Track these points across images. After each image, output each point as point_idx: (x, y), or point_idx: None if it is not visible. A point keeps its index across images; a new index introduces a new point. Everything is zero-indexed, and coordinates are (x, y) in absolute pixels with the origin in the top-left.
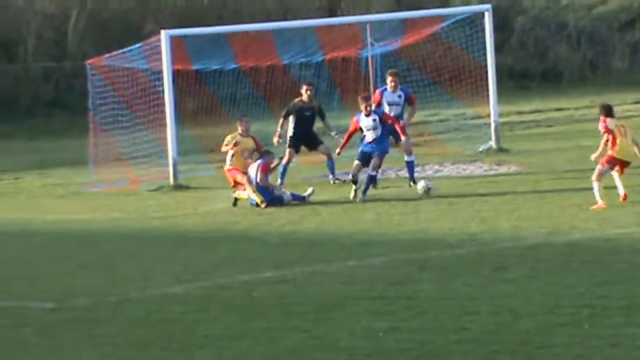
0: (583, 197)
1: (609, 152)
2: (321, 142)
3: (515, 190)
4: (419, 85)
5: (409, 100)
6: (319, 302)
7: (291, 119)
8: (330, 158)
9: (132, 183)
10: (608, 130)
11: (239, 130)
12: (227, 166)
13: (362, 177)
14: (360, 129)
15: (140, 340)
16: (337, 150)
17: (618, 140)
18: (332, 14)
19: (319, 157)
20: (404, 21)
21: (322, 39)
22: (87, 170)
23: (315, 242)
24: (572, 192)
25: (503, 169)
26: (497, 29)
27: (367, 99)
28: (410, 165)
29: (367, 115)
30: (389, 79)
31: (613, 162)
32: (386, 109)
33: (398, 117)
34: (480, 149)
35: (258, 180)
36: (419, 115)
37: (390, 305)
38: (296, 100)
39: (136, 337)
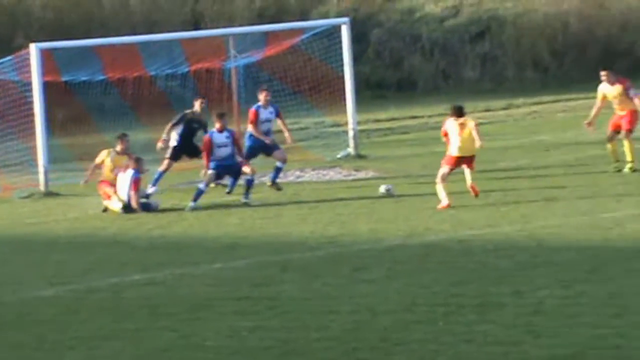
0: (437, 201)
1: (448, 152)
2: (199, 154)
3: (373, 195)
4: (281, 95)
5: (279, 116)
6: (186, 303)
7: (177, 129)
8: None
9: (4, 190)
10: (444, 132)
11: (117, 148)
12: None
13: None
14: (213, 145)
15: (13, 342)
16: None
17: (452, 139)
18: (196, 26)
19: (188, 165)
20: (265, 34)
21: (188, 51)
22: None
23: (183, 245)
24: (427, 196)
25: (361, 175)
26: (354, 40)
27: (221, 116)
28: (278, 170)
29: (220, 131)
30: (262, 94)
31: (452, 160)
32: (261, 125)
33: (269, 133)
34: (339, 156)
35: (131, 199)
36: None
37: (254, 306)
38: (188, 111)
39: (9, 338)
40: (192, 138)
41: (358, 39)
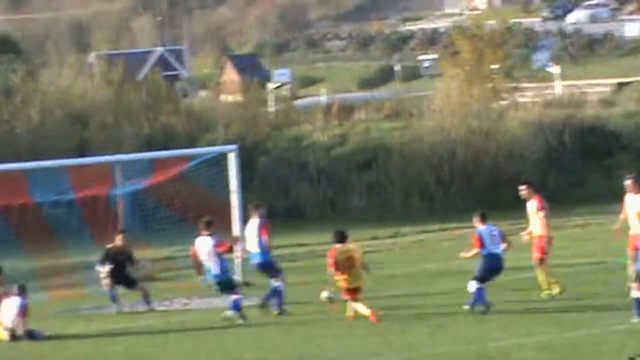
0: (325, 328)
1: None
2: (135, 283)
3: (259, 322)
4: (168, 222)
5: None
6: None
7: (105, 266)
8: (146, 295)
9: None
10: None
11: None
12: None
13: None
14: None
15: None
16: (198, 277)
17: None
18: (83, 153)
19: (70, 292)
20: (152, 161)
21: (74, 178)
22: None
23: None
24: (316, 322)
25: (248, 302)
26: (242, 168)
27: (208, 224)
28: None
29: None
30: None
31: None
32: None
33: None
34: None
35: (21, 326)
36: (168, 251)
37: None
38: (109, 246)
39: None
40: (123, 271)
41: (245, 167)
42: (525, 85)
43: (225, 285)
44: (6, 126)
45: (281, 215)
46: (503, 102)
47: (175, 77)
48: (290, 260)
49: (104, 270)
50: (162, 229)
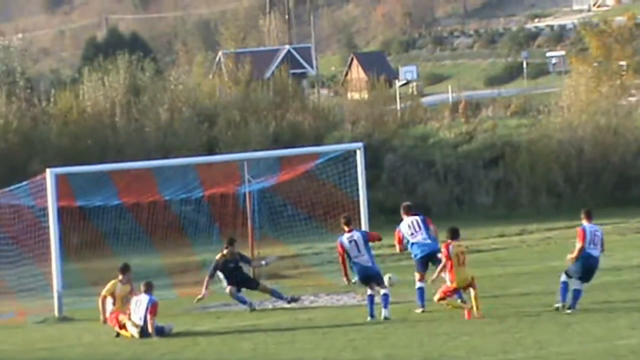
0: (452, 326)
1: (448, 283)
2: (258, 283)
3: (387, 320)
4: (295, 219)
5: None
6: None
7: (220, 275)
8: (272, 292)
9: (18, 316)
10: (448, 256)
11: (120, 278)
12: (107, 314)
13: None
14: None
15: None
16: (345, 280)
17: (454, 269)
18: (211, 151)
19: (198, 290)
20: (280, 158)
21: (202, 176)
22: None
23: None
24: (442, 320)
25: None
26: (368, 166)
27: (348, 220)
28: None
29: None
30: (402, 212)
31: (452, 292)
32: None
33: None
34: (354, 280)
35: (148, 324)
36: (295, 249)
37: None
38: (218, 256)
39: None
40: (237, 274)
41: (372, 165)
42: None
43: (374, 277)
44: (136, 125)
45: None
46: (632, 99)
47: (303, 75)
48: None
49: (221, 278)
50: (290, 226)
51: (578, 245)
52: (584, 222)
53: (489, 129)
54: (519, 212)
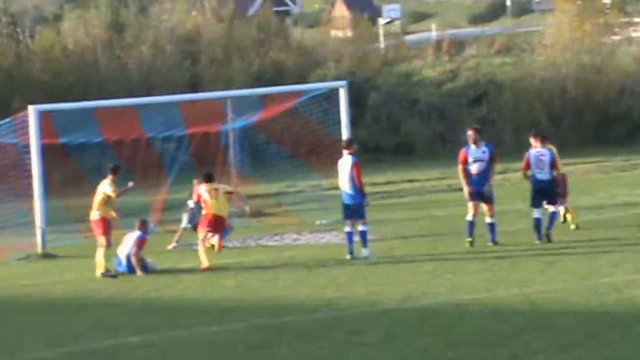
0: (434, 264)
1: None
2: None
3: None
4: (277, 158)
5: (492, 157)
6: None
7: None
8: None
9: (0, 252)
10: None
11: (112, 178)
12: (96, 216)
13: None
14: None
15: None
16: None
17: (208, 203)
18: (194, 89)
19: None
20: (263, 96)
21: (185, 114)
22: None
23: (179, 308)
24: (424, 259)
25: (357, 238)
26: (351, 104)
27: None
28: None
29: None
30: (469, 132)
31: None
32: (472, 165)
33: (485, 172)
34: (318, 222)
35: (133, 254)
36: (277, 187)
37: None
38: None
39: None
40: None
41: (355, 103)
42: (639, 20)
43: (356, 210)
44: (118, 62)
45: (391, 151)
46: (615, 37)
47: (286, 13)
48: (400, 197)
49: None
50: (272, 164)
51: (522, 172)
52: (537, 146)
53: (472, 68)
54: (502, 150)
